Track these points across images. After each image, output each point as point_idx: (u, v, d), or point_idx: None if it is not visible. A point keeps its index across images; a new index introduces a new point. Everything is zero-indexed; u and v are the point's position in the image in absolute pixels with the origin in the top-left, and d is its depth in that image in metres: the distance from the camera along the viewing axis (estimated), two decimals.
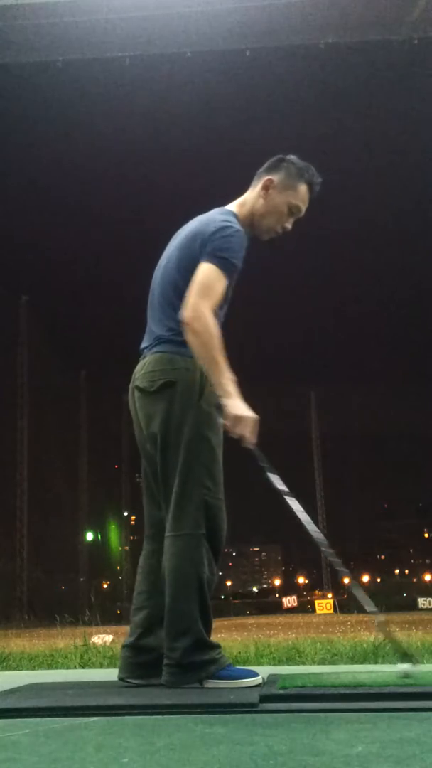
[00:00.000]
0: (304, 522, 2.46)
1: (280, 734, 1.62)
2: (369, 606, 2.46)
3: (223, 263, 2.41)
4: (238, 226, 2.50)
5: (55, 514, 35.83)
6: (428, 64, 17.11)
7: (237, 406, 2.34)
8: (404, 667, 2.34)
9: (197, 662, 2.36)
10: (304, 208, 2.65)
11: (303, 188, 2.62)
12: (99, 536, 44.16)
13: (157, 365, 2.50)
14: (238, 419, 2.34)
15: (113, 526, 46.61)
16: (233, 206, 2.67)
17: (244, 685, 2.34)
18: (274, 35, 14.86)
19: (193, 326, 2.34)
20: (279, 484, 2.43)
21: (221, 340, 2.36)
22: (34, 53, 14.83)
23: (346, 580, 2.82)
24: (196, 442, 2.42)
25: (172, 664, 2.37)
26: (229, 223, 2.49)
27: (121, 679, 2.53)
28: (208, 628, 2.42)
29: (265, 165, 2.69)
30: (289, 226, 2.66)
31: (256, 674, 2.41)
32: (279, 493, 2.43)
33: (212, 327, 2.34)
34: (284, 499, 2.44)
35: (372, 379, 38.56)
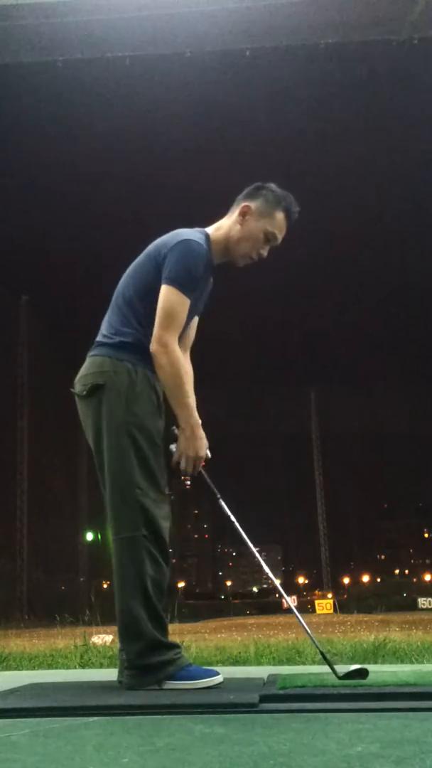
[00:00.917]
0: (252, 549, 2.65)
1: (280, 734, 1.62)
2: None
3: (181, 286, 2.46)
4: (200, 245, 2.53)
5: (55, 514, 35.84)
6: (428, 64, 17.12)
7: (192, 443, 2.46)
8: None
9: (154, 663, 2.35)
10: (280, 236, 2.66)
11: (280, 216, 2.63)
12: (99, 536, 44.12)
13: (89, 369, 2.56)
14: (189, 458, 2.47)
15: None
16: (210, 229, 2.69)
17: (203, 686, 2.33)
18: (274, 35, 14.85)
19: (159, 360, 2.44)
20: (228, 510, 2.57)
21: (185, 370, 2.49)
22: (34, 53, 14.82)
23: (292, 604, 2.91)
24: (123, 443, 2.44)
25: (129, 666, 2.38)
26: (191, 242, 2.51)
27: (120, 682, 2.54)
28: (161, 629, 2.40)
29: (244, 192, 2.69)
30: (264, 253, 2.68)
31: (216, 673, 2.40)
32: (229, 519, 2.57)
33: (177, 359, 2.44)
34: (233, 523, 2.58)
35: (372, 379, 38.59)
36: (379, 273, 29.27)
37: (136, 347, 2.52)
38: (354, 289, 31.20)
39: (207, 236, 2.62)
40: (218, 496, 2.56)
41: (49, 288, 30.61)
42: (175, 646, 2.43)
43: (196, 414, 2.50)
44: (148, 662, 2.35)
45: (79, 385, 2.57)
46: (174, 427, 2.51)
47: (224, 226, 2.67)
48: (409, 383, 37.80)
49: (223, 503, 2.57)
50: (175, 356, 2.44)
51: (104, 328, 2.64)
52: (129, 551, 2.39)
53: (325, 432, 45.71)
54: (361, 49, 16.13)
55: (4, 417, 32.96)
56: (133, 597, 2.37)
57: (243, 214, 2.63)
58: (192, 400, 2.50)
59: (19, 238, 26.30)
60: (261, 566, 2.82)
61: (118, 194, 24.37)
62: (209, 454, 2.51)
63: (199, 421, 2.50)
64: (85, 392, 2.53)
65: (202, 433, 2.49)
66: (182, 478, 2.56)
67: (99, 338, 2.63)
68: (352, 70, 18.26)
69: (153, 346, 2.45)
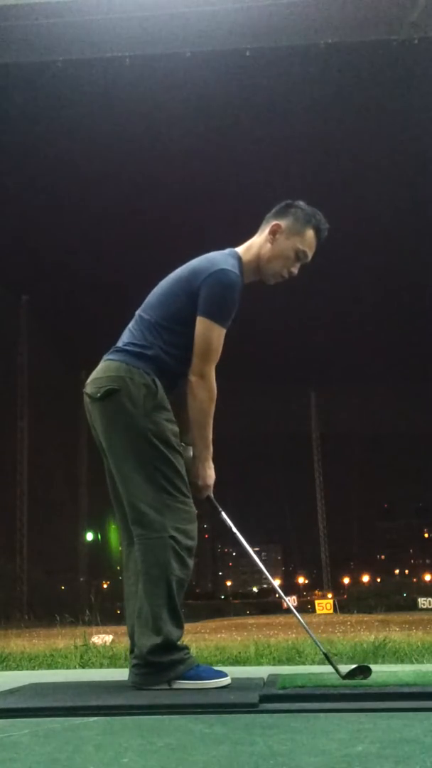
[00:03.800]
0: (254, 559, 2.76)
1: (280, 734, 1.62)
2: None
3: (219, 318, 2.54)
4: (236, 273, 2.56)
5: (55, 514, 35.82)
6: (428, 64, 17.13)
7: (203, 473, 2.61)
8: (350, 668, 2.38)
9: (165, 663, 2.37)
10: (310, 253, 2.70)
11: (310, 234, 2.67)
12: (99, 536, 44.14)
13: (104, 372, 2.58)
14: (198, 486, 2.62)
15: (113, 526, 46.53)
16: (240, 249, 2.71)
17: (211, 686, 2.35)
18: (274, 35, 14.87)
19: (198, 392, 2.55)
20: (233, 527, 2.72)
21: (214, 403, 2.60)
22: (34, 53, 14.83)
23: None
24: (144, 450, 2.48)
25: (141, 664, 2.39)
26: (227, 272, 2.54)
27: (132, 683, 2.53)
28: (179, 630, 2.44)
29: (273, 210, 2.72)
30: (295, 271, 2.72)
31: (224, 675, 2.42)
32: (235, 536, 2.71)
33: (213, 394, 2.57)
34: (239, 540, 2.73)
35: (372, 379, 38.55)
36: (379, 273, 29.25)
37: (155, 360, 2.56)
38: (354, 289, 31.18)
39: (239, 259, 2.65)
40: (220, 510, 2.68)
41: (49, 288, 30.58)
42: (185, 647, 2.45)
43: (211, 447, 2.62)
44: (160, 660, 2.37)
45: (92, 386, 2.59)
46: (182, 444, 2.59)
47: (255, 245, 2.70)
48: (409, 383, 37.79)
49: (225, 516, 2.70)
50: (214, 390, 2.57)
51: (126, 337, 2.66)
52: (155, 552, 2.42)
53: (325, 432, 45.71)
54: (361, 49, 16.14)
55: (4, 417, 32.94)
56: (158, 596, 2.40)
57: (273, 232, 2.66)
58: (211, 433, 2.62)
59: (19, 238, 26.28)
60: (265, 564, 2.89)
61: (118, 194, 24.34)
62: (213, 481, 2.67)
63: (211, 452, 2.63)
64: (98, 395, 2.54)
65: (211, 464, 2.63)
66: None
67: (119, 345, 2.65)
68: (352, 70, 18.25)
69: (193, 378, 2.55)
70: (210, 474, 2.62)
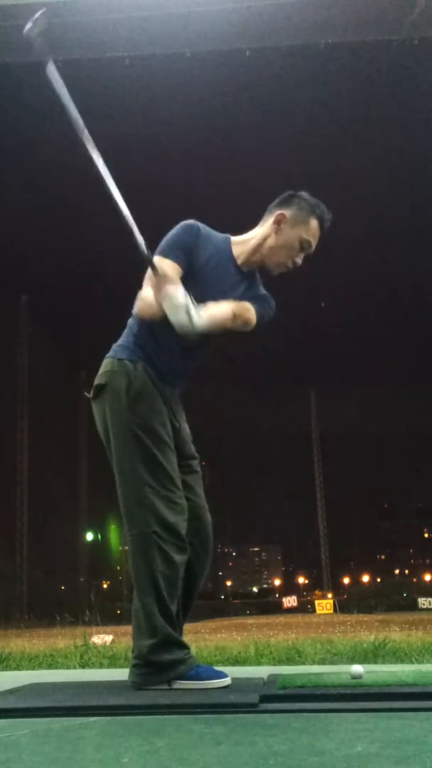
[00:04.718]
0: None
1: (280, 734, 1.62)
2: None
3: (163, 251, 2.52)
4: (195, 222, 2.59)
5: (55, 514, 35.82)
6: (428, 64, 17.11)
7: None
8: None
9: (166, 662, 2.36)
10: (314, 243, 2.69)
11: (314, 223, 2.65)
12: (99, 536, 44.16)
13: (100, 371, 2.63)
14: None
15: (113, 527, 46.60)
16: (237, 237, 2.71)
17: (212, 686, 2.34)
18: (274, 35, 14.86)
19: (138, 312, 2.51)
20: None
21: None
22: (34, 53, 14.81)
23: None
24: (128, 443, 2.47)
25: (140, 663, 2.39)
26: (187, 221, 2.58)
27: (132, 683, 2.53)
28: (174, 626, 2.42)
29: (276, 200, 2.72)
30: (299, 261, 2.71)
31: (224, 675, 2.42)
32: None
33: (145, 299, 2.42)
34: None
35: (372, 379, 38.54)
36: (379, 273, 29.24)
37: (141, 346, 2.56)
38: (354, 289, 31.17)
39: (225, 237, 2.67)
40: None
41: (49, 288, 30.57)
42: (186, 647, 2.45)
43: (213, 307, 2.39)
44: (159, 659, 2.36)
45: (92, 388, 2.64)
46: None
47: (257, 235, 2.69)
48: (409, 383, 37.77)
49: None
50: (143, 299, 2.43)
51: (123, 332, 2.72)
52: (141, 548, 2.42)
53: (325, 432, 45.71)
54: (361, 49, 16.12)
55: (4, 417, 32.94)
56: (147, 593, 2.39)
57: (278, 222, 2.65)
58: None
59: (19, 238, 26.28)
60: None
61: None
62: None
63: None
64: (92, 394, 2.59)
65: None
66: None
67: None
68: (352, 70, 18.25)
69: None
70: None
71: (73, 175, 23.17)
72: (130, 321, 2.67)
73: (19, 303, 33.47)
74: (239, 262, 2.66)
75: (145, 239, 2.38)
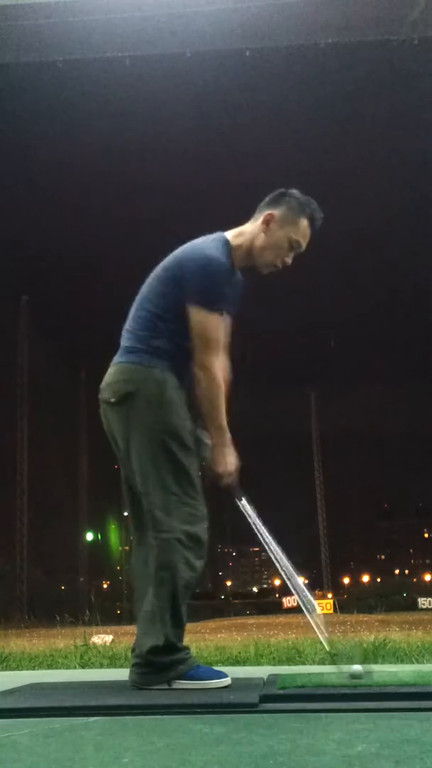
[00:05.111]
0: (275, 554, 2.80)
1: (280, 734, 1.62)
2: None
3: (208, 304, 2.49)
4: (219, 257, 2.52)
5: (55, 514, 35.84)
6: (428, 64, 17.10)
7: (223, 460, 2.57)
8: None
9: (166, 662, 2.37)
10: (304, 243, 2.65)
11: (304, 223, 2.60)
12: (99, 536, 44.17)
13: (120, 376, 2.57)
14: (223, 473, 2.58)
15: (113, 527, 46.66)
16: (230, 234, 2.66)
17: (212, 686, 2.35)
18: (274, 35, 14.84)
19: (201, 384, 2.51)
20: (255, 518, 2.72)
21: (223, 391, 2.56)
22: (34, 53, 14.80)
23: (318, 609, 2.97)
24: (156, 451, 2.48)
25: (141, 663, 2.40)
26: (209, 257, 2.51)
27: (132, 681, 2.53)
28: (180, 631, 2.45)
29: (267, 199, 2.67)
30: (288, 260, 2.67)
31: (224, 675, 2.42)
32: (256, 528, 2.73)
33: (217, 380, 2.52)
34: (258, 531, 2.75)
35: (372, 379, 38.55)
36: (379, 273, 29.25)
37: (167, 355, 2.54)
38: (354, 289, 31.19)
39: (226, 244, 2.60)
40: (241, 499, 2.68)
41: (49, 288, 30.58)
42: (185, 648, 2.46)
43: (228, 433, 2.58)
44: (161, 660, 2.37)
45: (108, 391, 2.58)
46: (200, 429, 2.58)
47: (246, 232, 2.66)
48: (409, 383, 37.77)
49: (246, 506, 2.70)
50: (216, 379, 2.52)
51: (130, 336, 2.62)
52: (164, 553, 2.43)
53: (325, 432, 45.71)
54: (361, 49, 16.10)
55: (4, 417, 32.96)
56: (163, 597, 2.41)
57: (266, 222, 2.61)
58: (225, 419, 2.59)
59: (18, 238, 26.27)
60: (276, 566, 2.90)
61: (118, 194, 24.34)
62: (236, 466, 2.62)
63: (230, 438, 2.58)
64: (114, 399, 2.54)
65: (232, 450, 2.59)
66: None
67: (127, 344, 2.62)
68: (352, 70, 18.26)
69: (196, 371, 2.52)
70: (230, 460, 2.58)
71: (73, 175, 23.28)
72: (140, 327, 2.59)
73: (19, 303, 33.48)
74: (235, 265, 2.65)
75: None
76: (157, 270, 2.66)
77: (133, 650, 2.55)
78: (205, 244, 2.58)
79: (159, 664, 2.37)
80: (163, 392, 2.50)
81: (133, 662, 2.45)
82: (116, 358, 2.63)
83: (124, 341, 2.65)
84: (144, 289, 2.67)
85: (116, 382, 2.56)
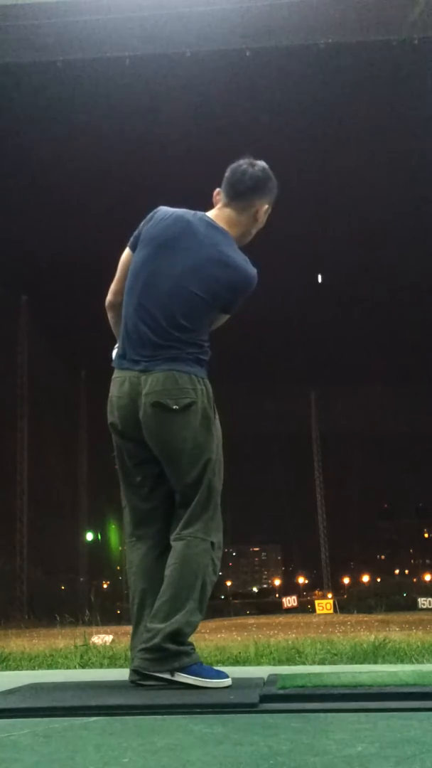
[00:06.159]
0: None
1: (280, 734, 1.62)
2: None
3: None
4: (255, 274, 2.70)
5: (55, 514, 35.80)
6: (428, 64, 17.11)
7: None
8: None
9: (172, 651, 2.38)
10: None
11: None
12: (99, 536, 44.13)
13: (179, 384, 2.55)
14: None
15: (113, 527, 46.59)
16: (227, 228, 2.72)
17: (212, 686, 2.36)
18: (274, 35, 14.85)
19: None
20: None
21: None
22: (34, 53, 14.81)
23: None
24: (217, 461, 2.63)
25: (149, 647, 2.40)
26: (252, 278, 2.67)
27: (133, 674, 2.53)
28: (194, 626, 2.50)
29: (259, 188, 2.74)
30: None
31: (225, 676, 2.43)
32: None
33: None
34: None
35: (372, 379, 38.52)
36: (379, 273, 29.24)
37: (202, 363, 2.65)
38: (355, 289, 31.17)
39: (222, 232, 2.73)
40: None
41: (49, 288, 30.56)
42: (190, 643, 2.48)
43: None
44: (167, 646, 2.38)
45: (166, 397, 2.52)
46: None
47: (241, 224, 2.76)
48: (409, 383, 37.75)
49: None
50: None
51: (168, 335, 2.58)
52: (199, 553, 2.53)
53: (325, 432, 45.68)
54: (361, 49, 16.12)
55: (4, 417, 32.93)
56: (188, 594, 2.46)
57: (262, 213, 2.78)
58: None
59: (19, 238, 26.26)
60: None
61: (118, 194, 24.30)
62: None
63: None
64: (179, 406, 2.53)
65: None
66: None
67: (170, 348, 2.57)
68: (352, 70, 18.25)
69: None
70: None
71: (73, 175, 23.26)
72: (189, 334, 2.59)
73: (19, 303, 33.46)
74: None
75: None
76: (197, 260, 2.63)
77: (136, 636, 2.55)
78: (248, 264, 2.68)
79: (166, 651, 2.38)
80: (209, 402, 2.61)
81: (141, 647, 2.44)
82: (157, 360, 2.56)
83: (157, 336, 2.58)
84: (167, 287, 2.61)
85: (178, 390, 2.54)
